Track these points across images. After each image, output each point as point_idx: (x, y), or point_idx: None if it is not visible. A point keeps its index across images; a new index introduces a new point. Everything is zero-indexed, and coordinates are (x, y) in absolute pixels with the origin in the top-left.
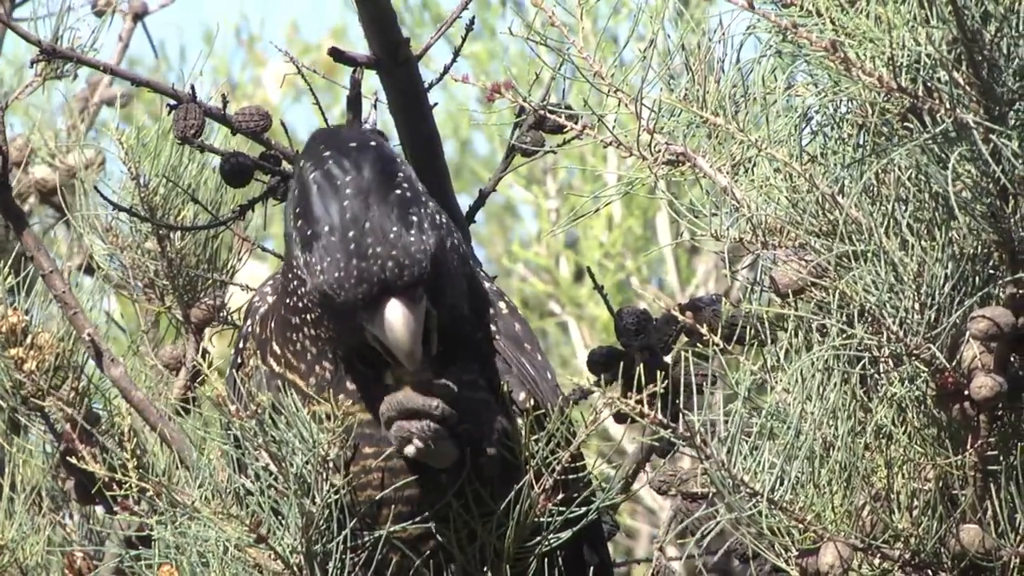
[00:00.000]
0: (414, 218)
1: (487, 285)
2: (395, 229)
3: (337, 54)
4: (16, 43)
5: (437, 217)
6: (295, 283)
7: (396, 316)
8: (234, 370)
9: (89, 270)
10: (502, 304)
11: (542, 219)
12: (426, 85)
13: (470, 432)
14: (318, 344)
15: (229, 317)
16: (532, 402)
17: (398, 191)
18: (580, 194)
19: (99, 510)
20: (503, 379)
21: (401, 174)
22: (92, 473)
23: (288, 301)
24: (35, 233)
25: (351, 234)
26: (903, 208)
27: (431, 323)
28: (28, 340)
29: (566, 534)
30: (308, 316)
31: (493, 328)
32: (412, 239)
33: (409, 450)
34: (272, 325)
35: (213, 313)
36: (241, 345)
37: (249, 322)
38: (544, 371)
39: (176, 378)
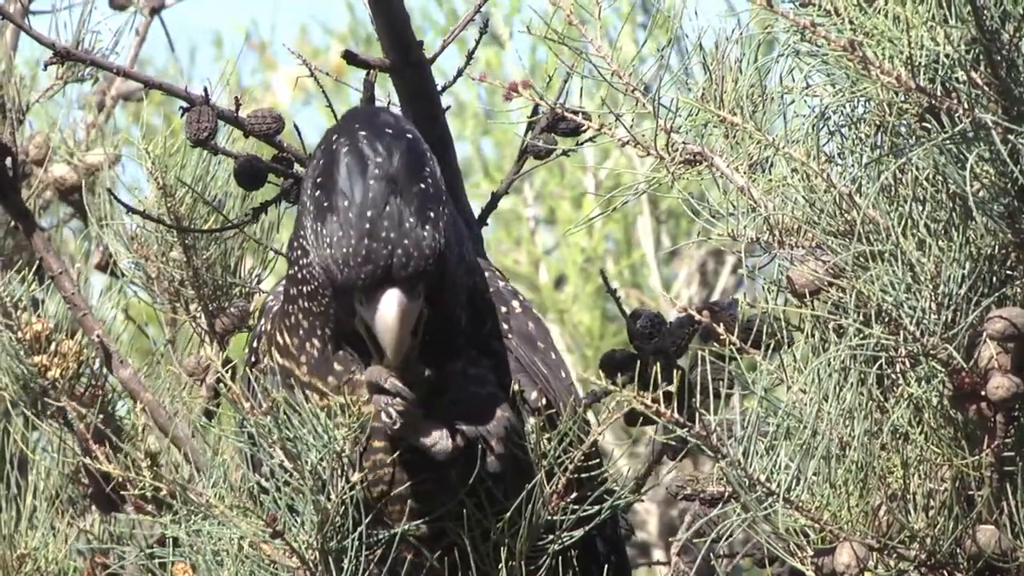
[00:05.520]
0: (431, 214)
1: (500, 284)
2: (411, 220)
3: (350, 57)
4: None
5: (451, 221)
6: (298, 252)
7: (391, 306)
8: (248, 368)
9: (104, 267)
10: (515, 303)
11: (522, 226)
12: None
13: (475, 428)
14: (310, 318)
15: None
16: (544, 400)
17: (422, 185)
18: (600, 195)
19: (120, 518)
20: (515, 378)
21: (428, 168)
22: (109, 476)
23: (289, 271)
24: (44, 235)
25: (369, 214)
26: (920, 208)
27: (420, 321)
28: (52, 347)
29: (579, 532)
30: (304, 288)
31: (505, 327)
32: (425, 234)
33: (384, 420)
34: (279, 314)
35: (238, 322)
36: (255, 344)
37: (263, 320)
38: (558, 369)
39: (201, 387)
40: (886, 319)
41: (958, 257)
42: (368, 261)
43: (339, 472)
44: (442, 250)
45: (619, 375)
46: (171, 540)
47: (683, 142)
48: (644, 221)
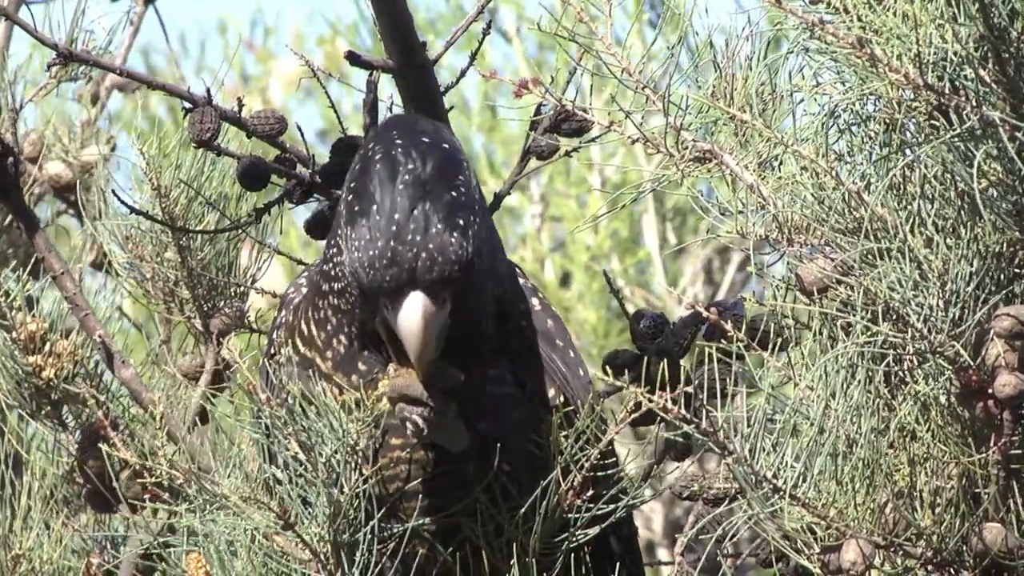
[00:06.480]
0: (461, 222)
1: (521, 281)
2: (438, 226)
3: (353, 58)
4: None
5: (487, 232)
6: (333, 250)
7: (415, 310)
8: (266, 359)
9: (99, 266)
10: (535, 300)
11: (525, 224)
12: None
13: (492, 428)
14: (338, 315)
15: (256, 324)
16: (562, 398)
17: (453, 193)
18: (606, 192)
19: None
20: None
21: (462, 177)
22: (110, 478)
23: (324, 266)
24: (46, 235)
25: (396, 217)
26: (928, 206)
27: (442, 332)
28: (47, 348)
29: (594, 530)
30: (335, 285)
31: (525, 324)
32: (453, 241)
33: (410, 430)
34: (304, 305)
35: (233, 323)
36: (274, 336)
37: (283, 312)
38: (576, 367)
39: (195, 387)
40: (894, 317)
41: (966, 255)
42: (393, 264)
43: (353, 465)
44: (470, 259)
45: (623, 375)
46: (185, 530)
47: (693, 140)
48: (649, 219)
